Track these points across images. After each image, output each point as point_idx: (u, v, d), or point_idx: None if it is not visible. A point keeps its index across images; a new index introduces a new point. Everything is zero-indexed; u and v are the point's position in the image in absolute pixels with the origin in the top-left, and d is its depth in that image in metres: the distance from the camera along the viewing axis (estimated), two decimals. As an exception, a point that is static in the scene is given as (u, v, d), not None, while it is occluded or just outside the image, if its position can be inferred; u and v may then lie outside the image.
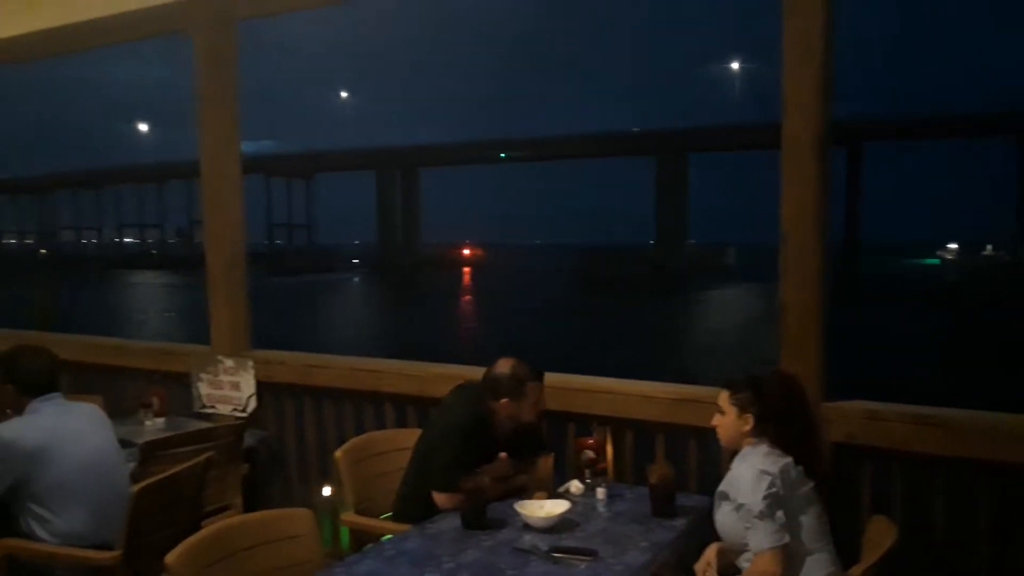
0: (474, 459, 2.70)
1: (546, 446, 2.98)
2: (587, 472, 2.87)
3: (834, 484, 2.68)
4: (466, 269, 65.63)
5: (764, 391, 2.46)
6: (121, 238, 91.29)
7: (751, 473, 2.31)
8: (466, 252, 78.86)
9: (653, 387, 3.26)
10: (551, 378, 3.04)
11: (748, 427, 2.43)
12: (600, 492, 2.76)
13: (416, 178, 76.32)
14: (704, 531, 2.55)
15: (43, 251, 77.14)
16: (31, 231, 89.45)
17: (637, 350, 18.32)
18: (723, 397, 2.49)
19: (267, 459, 4.12)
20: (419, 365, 3.84)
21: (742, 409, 2.43)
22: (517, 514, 2.50)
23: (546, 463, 2.79)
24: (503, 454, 2.80)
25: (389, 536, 2.72)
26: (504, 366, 2.85)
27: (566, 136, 69.59)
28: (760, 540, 2.24)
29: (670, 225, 57.99)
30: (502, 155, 71.06)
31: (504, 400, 2.81)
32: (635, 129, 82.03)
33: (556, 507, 2.54)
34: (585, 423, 3.27)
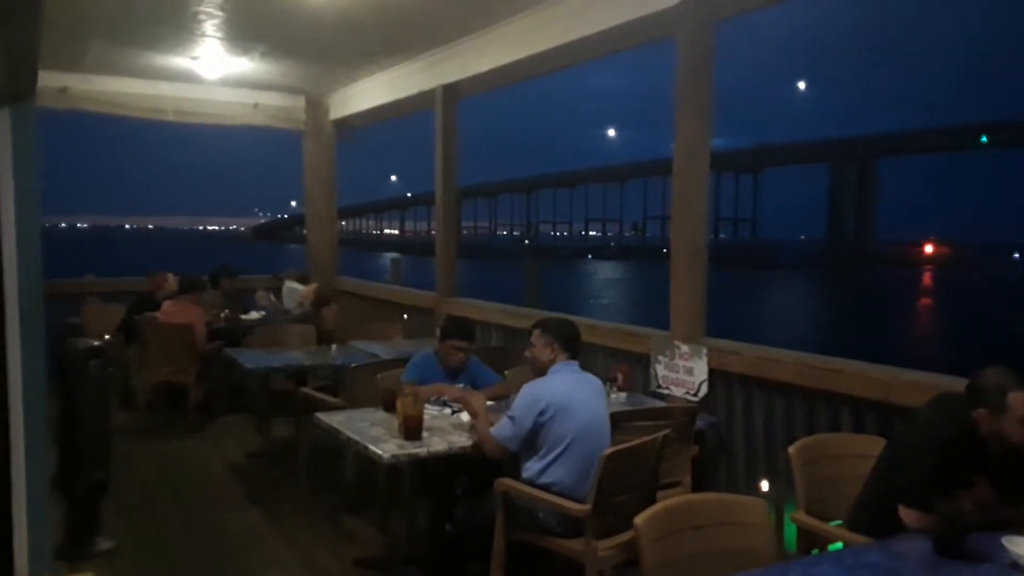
0: (952, 480, 2.43)
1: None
2: (1109, 519, 2.36)
3: None
4: (927, 270, 58.13)
5: None
6: (586, 231, 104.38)
7: None
8: (928, 249, 69.89)
9: None
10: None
11: None
12: None
13: (873, 170, 70.27)
14: None
15: (526, 241, 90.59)
16: (519, 223, 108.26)
17: None
18: None
19: (715, 444, 4.25)
20: (886, 369, 3.57)
21: None
22: (1006, 550, 2.18)
23: (1047, 498, 2.37)
24: (983, 479, 2.46)
25: (839, 544, 2.60)
26: (988, 374, 2.51)
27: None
28: None
29: None
30: (983, 139, 61.31)
31: (982, 411, 2.48)
32: None
33: (1061, 552, 2.15)
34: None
